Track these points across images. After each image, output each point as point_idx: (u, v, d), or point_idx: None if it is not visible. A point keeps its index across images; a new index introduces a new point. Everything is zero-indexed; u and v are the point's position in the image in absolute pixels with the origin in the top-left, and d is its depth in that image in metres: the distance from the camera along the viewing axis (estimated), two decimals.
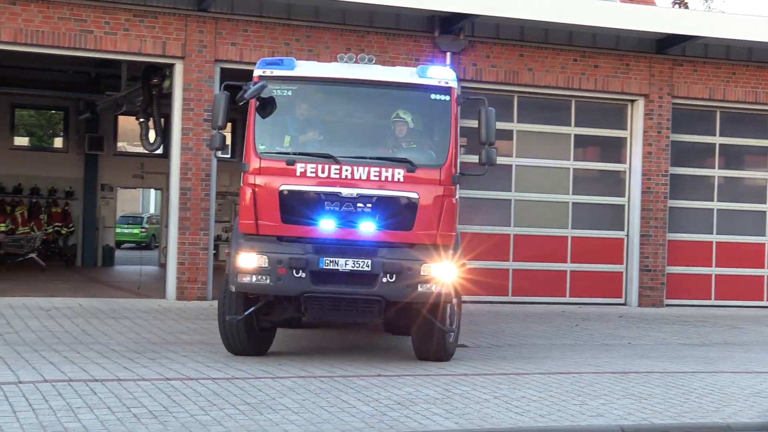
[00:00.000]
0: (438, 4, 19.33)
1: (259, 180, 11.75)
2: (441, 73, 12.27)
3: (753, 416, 9.81)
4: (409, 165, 11.73)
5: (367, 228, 11.66)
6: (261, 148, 11.84)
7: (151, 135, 23.52)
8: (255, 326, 12.15)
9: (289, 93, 12.10)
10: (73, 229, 29.37)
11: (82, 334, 13.74)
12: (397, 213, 11.76)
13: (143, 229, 44.34)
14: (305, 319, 12.35)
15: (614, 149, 22.27)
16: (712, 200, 22.78)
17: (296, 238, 11.67)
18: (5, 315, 15.26)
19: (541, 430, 9.06)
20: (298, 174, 11.65)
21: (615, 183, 22.18)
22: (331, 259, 11.53)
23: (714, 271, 22.61)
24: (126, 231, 42.85)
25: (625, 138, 22.05)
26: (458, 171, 12.13)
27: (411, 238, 11.75)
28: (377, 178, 11.70)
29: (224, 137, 12.02)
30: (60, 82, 27.55)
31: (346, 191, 11.61)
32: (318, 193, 11.65)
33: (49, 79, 27.25)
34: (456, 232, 12.11)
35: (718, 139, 22.82)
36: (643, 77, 21.58)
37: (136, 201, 52.70)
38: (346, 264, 11.52)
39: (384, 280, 11.50)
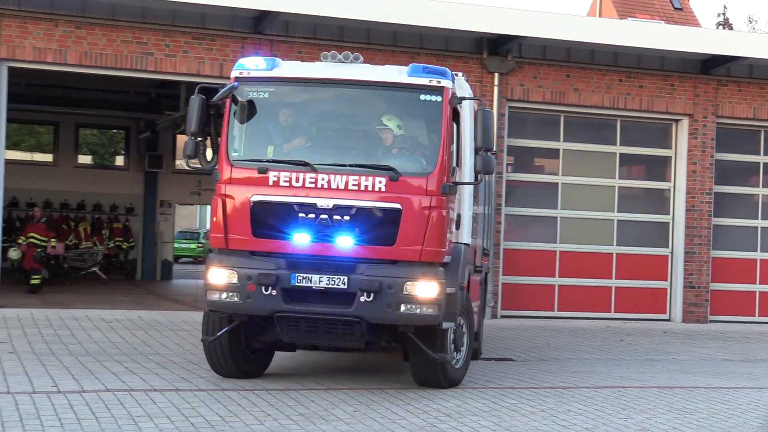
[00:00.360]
0: (487, 27, 19.37)
1: (230, 190, 10.52)
2: (433, 72, 10.72)
3: None
4: (392, 173, 10.31)
5: (345, 242, 10.29)
6: (234, 155, 10.68)
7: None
8: (243, 347, 11.10)
9: (266, 95, 10.84)
10: (133, 243, 29.69)
11: (142, 345, 13.86)
12: (378, 226, 10.34)
13: (200, 244, 44.67)
14: (284, 340, 10.88)
15: (659, 168, 22.10)
16: (756, 218, 22.48)
17: (269, 253, 10.39)
18: (69, 326, 15.44)
19: None
20: (270, 183, 10.40)
21: (659, 201, 22.00)
22: (304, 275, 10.24)
23: (758, 288, 22.28)
24: (183, 246, 43.25)
25: (670, 157, 21.89)
26: (451, 180, 10.62)
27: (394, 254, 10.31)
28: (356, 188, 10.29)
29: (197, 144, 10.80)
30: (122, 103, 27.93)
31: (321, 202, 10.27)
32: (292, 204, 10.33)
33: (112, 100, 27.63)
34: (446, 247, 10.55)
35: (762, 158, 22.54)
36: (687, 97, 21.41)
37: (194, 217, 53.14)
38: (320, 281, 10.24)
39: (362, 299, 10.13)
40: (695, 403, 11.02)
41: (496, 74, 20.02)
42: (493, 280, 19.30)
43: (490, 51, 20.01)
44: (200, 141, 10.88)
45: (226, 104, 10.79)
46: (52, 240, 22.59)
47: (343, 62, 10.87)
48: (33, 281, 21.55)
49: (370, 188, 10.29)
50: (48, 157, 30.81)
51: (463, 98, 10.92)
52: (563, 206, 21.24)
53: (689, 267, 21.45)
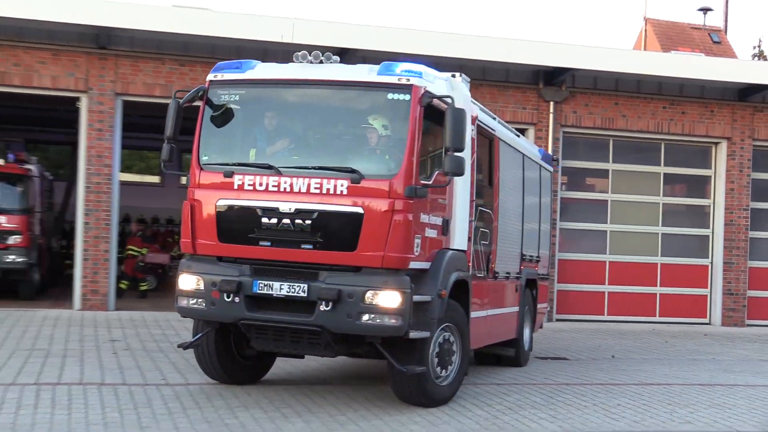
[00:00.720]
0: (543, 60, 19.35)
1: (198, 194, 9.37)
2: (405, 70, 9.16)
3: None
4: (354, 175, 8.85)
5: (307, 248, 8.95)
6: (204, 159, 9.50)
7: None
8: (234, 353, 10.14)
9: (236, 98, 9.58)
10: None
11: None
12: (339, 230, 8.88)
13: None
14: (256, 348, 9.74)
15: (699, 186, 21.82)
16: None
17: (234, 259, 9.24)
18: (175, 327, 15.63)
19: None
20: (235, 187, 9.19)
21: (700, 216, 21.71)
22: (266, 282, 9.01)
23: None
24: None
25: (710, 176, 21.61)
26: (418, 183, 8.93)
27: (355, 260, 8.84)
28: (318, 191, 8.92)
29: (173, 149, 9.61)
30: None
31: (283, 206, 8.95)
32: (254, 209, 9.08)
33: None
34: (413, 253, 8.93)
35: None
36: (726, 122, 21.11)
37: None
38: (280, 288, 8.97)
39: (322, 308, 8.77)
40: (735, 399, 10.85)
41: (552, 102, 19.98)
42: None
43: (545, 82, 19.98)
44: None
45: (199, 108, 9.70)
46: (143, 249, 23.05)
47: (313, 62, 9.59)
48: (141, 287, 21.96)
49: (332, 191, 8.92)
50: (156, 179, 31.38)
51: (434, 96, 9.12)
52: (612, 221, 21.08)
53: (728, 276, 21.13)
